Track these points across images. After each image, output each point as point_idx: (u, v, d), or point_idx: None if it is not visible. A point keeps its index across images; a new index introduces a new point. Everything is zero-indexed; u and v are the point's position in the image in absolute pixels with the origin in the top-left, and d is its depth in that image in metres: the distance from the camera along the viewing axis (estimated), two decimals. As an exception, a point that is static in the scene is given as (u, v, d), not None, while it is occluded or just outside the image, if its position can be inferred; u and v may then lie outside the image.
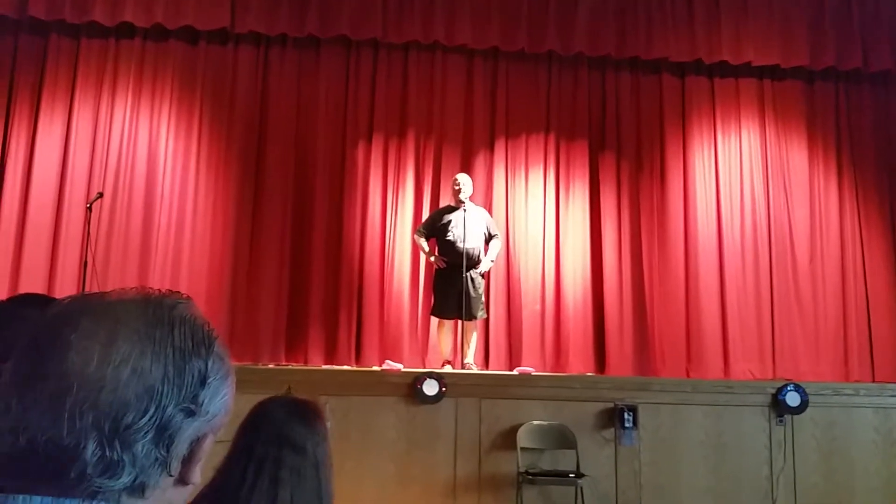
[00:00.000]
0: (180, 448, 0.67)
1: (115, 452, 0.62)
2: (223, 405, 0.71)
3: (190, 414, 0.67)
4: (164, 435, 0.65)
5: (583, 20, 6.72)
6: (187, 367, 0.67)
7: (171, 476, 0.67)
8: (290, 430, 1.06)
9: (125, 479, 0.63)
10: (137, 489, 0.64)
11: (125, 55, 6.58)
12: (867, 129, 7.03)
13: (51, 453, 0.61)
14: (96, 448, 0.62)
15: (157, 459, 0.65)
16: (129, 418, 0.63)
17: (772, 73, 7.01)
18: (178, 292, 0.72)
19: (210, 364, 0.69)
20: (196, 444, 0.69)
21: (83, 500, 0.62)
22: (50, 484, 0.62)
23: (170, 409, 0.65)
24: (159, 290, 0.71)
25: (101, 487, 0.62)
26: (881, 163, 6.97)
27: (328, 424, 1.29)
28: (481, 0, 6.72)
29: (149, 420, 0.64)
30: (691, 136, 6.97)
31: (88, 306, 0.67)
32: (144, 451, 0.64)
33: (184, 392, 0.66)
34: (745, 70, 6.98)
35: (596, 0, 6.76)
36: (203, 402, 0.68)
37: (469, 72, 6.92)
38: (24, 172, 6.33)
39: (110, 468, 0.62)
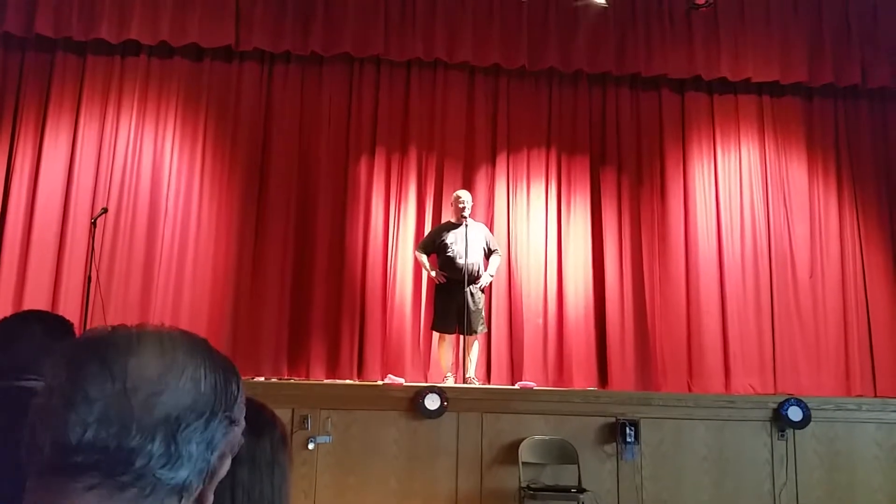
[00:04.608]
0: (215, 456, 0.73)
1: (177, 448, 0.69)
2: (243, 423, 0.78)
3: (232, 423, 0.74)
4: (213, 440, 0.72)
5: (583, 37, 6.79)
6: (227, 384, 0.75)
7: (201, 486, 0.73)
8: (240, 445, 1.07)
9: (182, 472, 0.69)
10: (184, 490, 0.70)
11: (131, 72, 6.66)
12: (866, 145, 7.08)
13: (118, 447, 0.66)
14: (161, 443, 0.68)
15: (205, 461, 0.71)
16: (189, 419, 0.70)
17: (771, 89, 7.07)
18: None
19: (239, 385, 0.77)
20: (221, 459, 0.74)
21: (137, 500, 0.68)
22: (111, 479, 0.67)
23: (219, 415, 0.72)
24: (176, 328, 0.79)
25: (160, 479, 0.68)
26: (880, 178, 7.01)
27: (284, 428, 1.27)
28: (482, 18, 6.80)
29: (205, 422, 0.71)
30: (691, 151, 7.02)
31: (138, 330, 0.73)
32: (198, 451, 0.70)
33: (227, 403, 0.74)
34: (745, 86, 7.04)
35: (596, 17, 6.82)
36: (236, 413, 0.75)
37: (470, 88, 6.99)
38: (29, 187, 6.38)
39: (171, 461, 0.68)
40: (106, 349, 0.70)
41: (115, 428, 0.66)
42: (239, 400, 0.76)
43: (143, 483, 0.67)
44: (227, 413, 0.73)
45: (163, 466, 0.68)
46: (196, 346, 0.74)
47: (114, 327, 0.74)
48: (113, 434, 0.66)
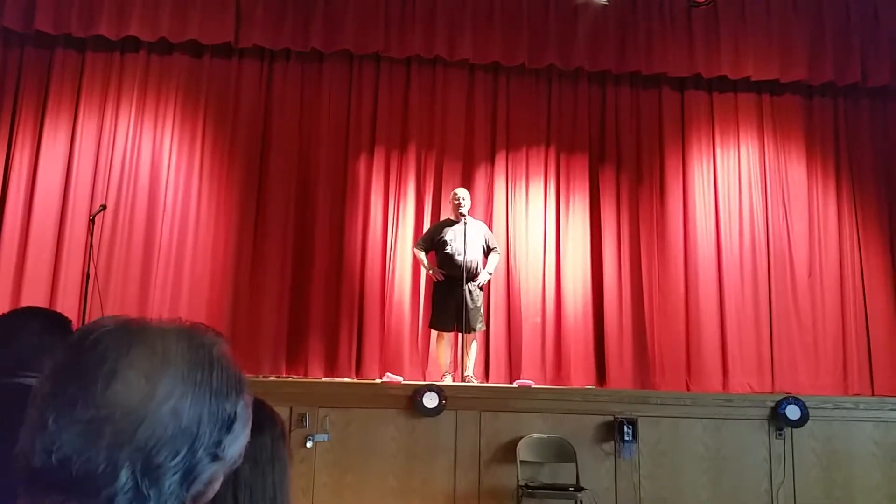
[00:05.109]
0: (196, 487, 0.69)
1: (144, 486, 0.64)
2: (239, 449, 0.73)
3: (215, 459, 0.69)
4: (189, 476, 0.67)
5: (583, 35, 6.78)
6: (220, 411, 0.69)
7: None
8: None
9: None
10: None
11: (130, 69, 6.65)
12: (866, 144, 7.08)
13: (84, 476, 0.63)
14: (129, 479, 0.64)
15: (177, 497, 0.67)
16: (161, 456, 0.65)
17: (771, 87, 7.07)
18: (213, 328, 0.74)
19: (238, 409, 0.72)
20: (209, 484, 0.70)
21: None
22: (76, 502, 0.64)
23: (200, 452, 0.67)
24: (195, 324, 0.73)
25: None
26: (879, 177, 7.01)
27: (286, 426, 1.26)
28: (482, 15, 6.79)
29: (181, 461, 0.66)
30: (690, 149, 7.02)
31: (136, 336, 0.69)
32: (170, 489, 0.66)
33: (213, 437, 0.69)
34: (744, 85, 7.04)
35: (596, 15, 6.82)
36: (225, 447, 0.70)
37: (470, 86, 6.98)
38: (27, 184, 6.37)
39: (137, 498, 0.64)
40: (92, 366, 0.66)
41: (83, 457, 0.63)
42: (236, 426, 0.71)
43: None
44: (210, 450, 0.68)
45: (129, 503, 0.64)
46: (194, 361, 0.69)
47: (112, 328, 0.69)
48: (80, 462, 0.63)
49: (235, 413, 0.71)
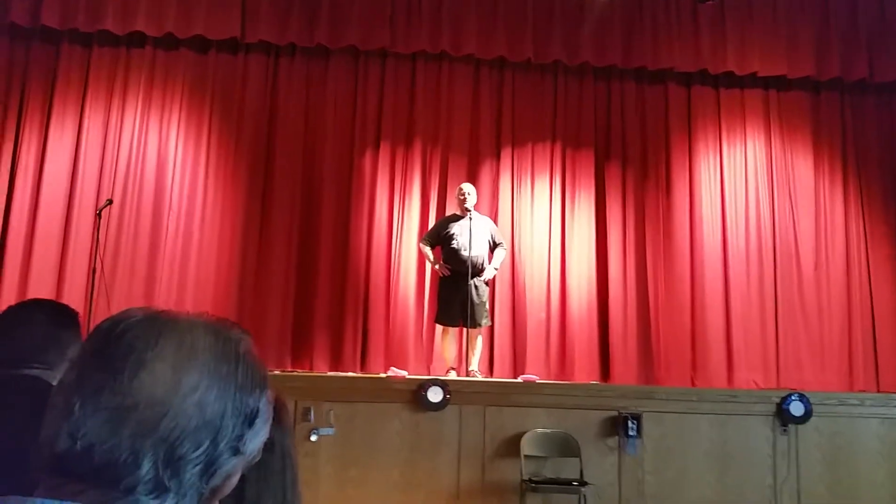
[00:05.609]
0: (216, 480, 0.70)
1: (165, 477, 0.65)
2: (259, 444, 0.74)
3: (236, 453, 0.70)
4: (210, 469, 0.68)
5: (589, 30, 6.77)
6: (243, 406, 0.70)
7: None
8: None
9: (168, 503, 0.66)
10: None
11: (136, 64, 6.67)
12: (872, 140, 7.05)
13: (105, 464, 0.64)
14: (150, 469, 0.64)
15: (197, 489, 0.67)
16: (184, 448, 0.66)
17: (777, 83, 7.04)
18: (238, 325, 0.75)
19: (261, 405, 0.72)
20: (228, 478, 0.71)
21: None
22: (97, 490, 0.64)
23: (221, 445, 0.68)
24: (222, 319, 0.74)
25: None
26: (886, 173, 6.98)
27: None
28: (488, 10, 6.78)
29: (202, 453, 0.67)
30: (697, 145, 7.00)
31: (165, 327, 0.70)
32: (190, 481, 0.66)
33: (235, 431, 0.69)
34: (751, 80, 7.01)
35: (602, 10, 6.80)
36: (247, 441, 0.71)
37: (476, 81, 6.97)
38: (34, 179, 6.40)
39: (157, 489, 0.65)
40: (120, 355, 0.66)
41: (106, 445, 0.63)
42: (258, 421, 0.71)
43: (128, 501, 0.64)
44: (231, 444, 0.69)
45: (149, 493, 0.64)
46: (221, 355, 0.70)
47: (141, 318, 0.70)
48: (102, 451, 0.63)
49: (258, 408, 0.72)
